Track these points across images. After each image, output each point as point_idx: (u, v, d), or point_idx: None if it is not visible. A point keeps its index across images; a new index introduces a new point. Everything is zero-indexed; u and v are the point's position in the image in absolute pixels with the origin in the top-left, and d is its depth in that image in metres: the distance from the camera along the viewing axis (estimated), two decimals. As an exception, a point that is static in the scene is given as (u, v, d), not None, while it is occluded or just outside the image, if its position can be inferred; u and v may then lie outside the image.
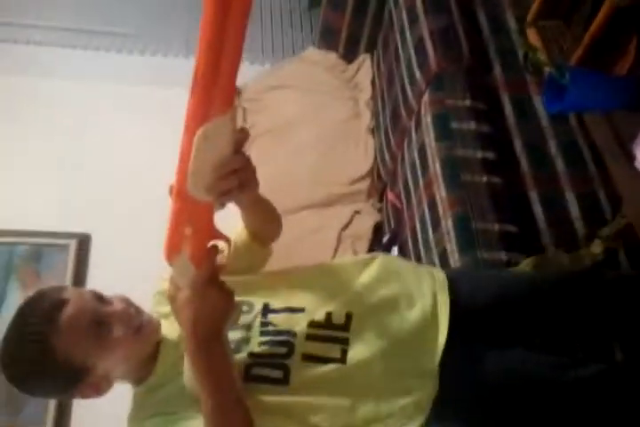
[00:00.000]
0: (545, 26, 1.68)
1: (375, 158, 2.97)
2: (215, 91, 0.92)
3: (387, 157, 2.83)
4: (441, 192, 2.09)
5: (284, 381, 1.28)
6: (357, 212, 2.84)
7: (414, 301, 1.42)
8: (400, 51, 2.69)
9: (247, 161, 1.03)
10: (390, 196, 2.69)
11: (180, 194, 1.02)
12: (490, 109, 2.28)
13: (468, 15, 2.53)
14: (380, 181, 2.93)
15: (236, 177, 1.01)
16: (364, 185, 2.92)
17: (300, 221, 2.77)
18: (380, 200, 2.90)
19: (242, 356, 1.30)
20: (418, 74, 2.46)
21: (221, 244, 1.12)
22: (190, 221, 1.06)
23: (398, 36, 2.72)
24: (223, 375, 1.16)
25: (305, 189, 2.88)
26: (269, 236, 1.47)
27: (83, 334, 1.25)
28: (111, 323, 1.27)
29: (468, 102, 2.25)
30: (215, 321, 1.13)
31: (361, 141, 3.04)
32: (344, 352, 1.31)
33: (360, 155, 2.99)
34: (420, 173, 2.32)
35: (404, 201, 2.50)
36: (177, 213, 1.06)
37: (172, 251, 1.10)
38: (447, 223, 2.01)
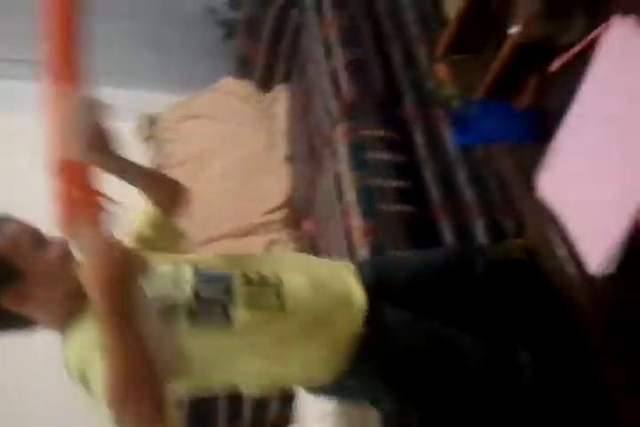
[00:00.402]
0: (453, 60, 1.74)
1: (291, 188, 2.99)
2: (71, 65, 1.23)
3: (302, 186, 2.85)
4: (356, 221, 2.12)
5: (227, 323, 1.36)
6: (273, 242, 2.84)
7: (336, 273, 1.56)
8: (315, 82, 2.73)
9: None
10: (306, 225, 2.71)
11: (60, 165, 1.19)
12: (403, 140, 2.33)
13: (381, 48, 2.60)
14: (297, 210, 2.95)
15: (100, 134, 1.29)
16: (281, 214, 2.93)
17: (214, 252, 2.76)
18: (297, 229, 2.91)
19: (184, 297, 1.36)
20: (333, 105, 2.50)
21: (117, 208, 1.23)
22: (75, 187, 1.20)
23: (313, 68, 2.77)
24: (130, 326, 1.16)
25: (220, 219, 2.88)
26: (175, 206, 1.59)
27: (23, 240, 1.34)
28: (49, 244, 1.36)
29: (382, 133, 2.30)
30: (123, 275, 1.17)
31: (277, 171, 3.06)
32: (280, 300, 1.42)
33: (276, 184, 3.00)
34: (335, 202, 2.34)
35: (320, 230, 2.52)
36: (63, 186, 1.19)
37: (69, 222, 1.19)
38: (362, 252, 2.04)
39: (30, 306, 1.35)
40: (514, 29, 1.38)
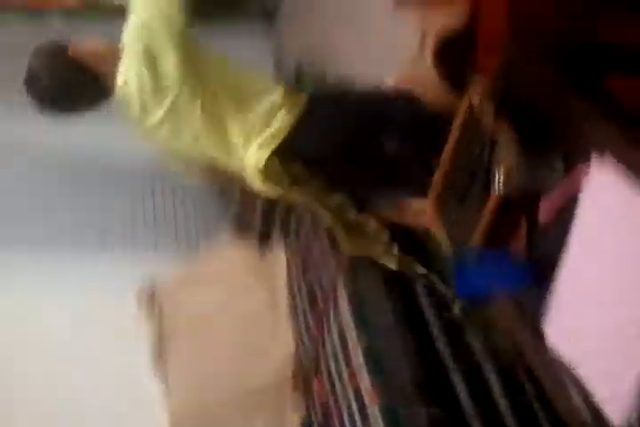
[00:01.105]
0: (443, 212, 1.76)
1: (297, 344, 2.94)
2: None
3: (307, 340, 2.80)
4: (365, 382, 2.05)
5: None
6: (283, 406, 2.74)
7: None
8: (312, 235, 2.76)
9: None
10: (316, 387, 2.63)
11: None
12: (404, 291, 2.30)
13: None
14: (304, 368, 2.86)
15: None
16: (287, 374, 2.85)
17: (225, 419, 2.68)
18: (306, 391, 2.81)
19: None
20: (331, 259, 2.51)
21: None
22: None
23: (308, 221, 2.81)
24: None
25: (227, 383, 2.82)
26: None
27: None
28: None
29: (382, 286, 2.28)
30: None
31: (280, 329, 3.02)
32: None
33: (280, 343, 2.96)
34: (342, 361, 2.29)
35: (329, 390, 2.44)
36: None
37: None
38: (374, 412, 1.97)
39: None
40: (497, 180, 1.41)
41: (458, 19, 1.82)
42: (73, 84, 2.10)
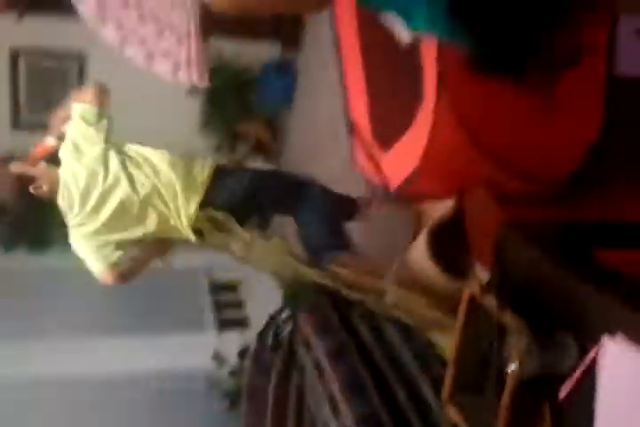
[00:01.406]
0: (461, 402, 1.72)
1: None
2: None
3: None
4: None
5: None
6: None
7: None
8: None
9: None
10: None
11: None
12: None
13: (387, 396, 2.57)
14: None
15: None
16: None
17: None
18: None
19: None
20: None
21: None
22: None
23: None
24: None
25: None
26: None
27: None
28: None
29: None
30: None
31: None
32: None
33: None
34: None
35: None
36: None
37: None
38: None
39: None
40: (511, 367, 1.40)
41: (448, 210, 1.90)
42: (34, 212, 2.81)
